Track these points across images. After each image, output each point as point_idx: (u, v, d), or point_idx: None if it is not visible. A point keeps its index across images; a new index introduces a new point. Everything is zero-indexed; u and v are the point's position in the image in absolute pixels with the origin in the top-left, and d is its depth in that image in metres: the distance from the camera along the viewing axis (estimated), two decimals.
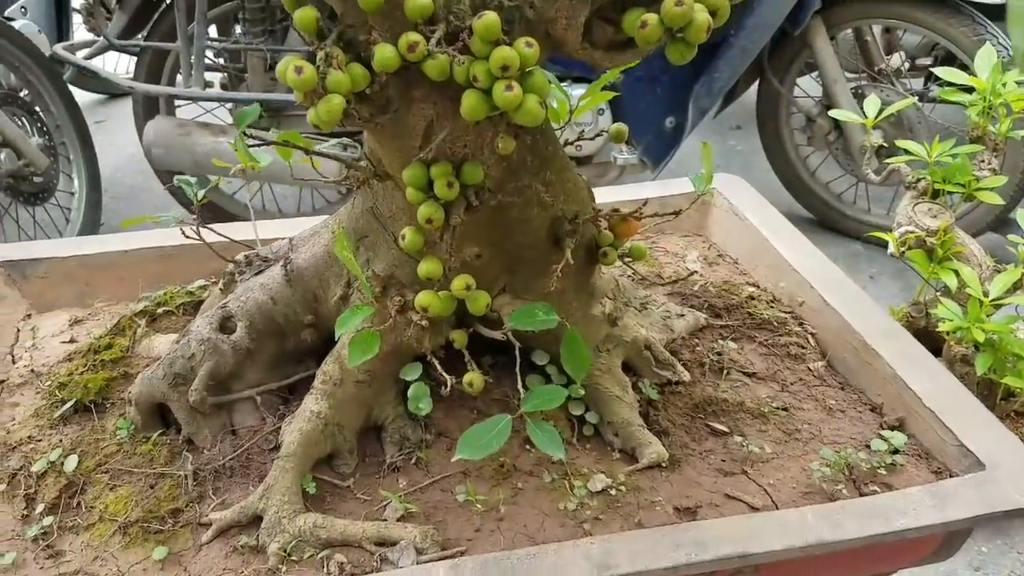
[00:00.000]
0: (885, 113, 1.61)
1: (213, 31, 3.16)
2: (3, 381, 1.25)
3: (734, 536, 0.92)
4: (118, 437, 1.11)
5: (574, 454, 1.08)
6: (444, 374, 0.94)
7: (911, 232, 1.63)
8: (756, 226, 1.50)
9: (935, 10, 2.71)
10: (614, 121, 2.77)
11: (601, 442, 1.11)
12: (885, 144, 2.78)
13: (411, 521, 0.99)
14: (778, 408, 1.18)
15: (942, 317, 1.51)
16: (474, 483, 1.04)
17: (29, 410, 1.18)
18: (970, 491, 0.99)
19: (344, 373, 1.06)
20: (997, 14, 2.72)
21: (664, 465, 1.07)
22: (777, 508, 1.02)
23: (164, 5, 2.95)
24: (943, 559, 1.08)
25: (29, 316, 1.40)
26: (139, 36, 3.08)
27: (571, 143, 1.09)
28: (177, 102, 3.02)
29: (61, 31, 3.75)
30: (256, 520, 0.98)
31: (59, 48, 3.03)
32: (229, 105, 3.07)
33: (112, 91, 4.57)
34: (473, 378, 0.90)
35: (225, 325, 1.11)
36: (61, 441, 1.11)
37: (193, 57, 2.71)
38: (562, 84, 1.26)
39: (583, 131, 1.18)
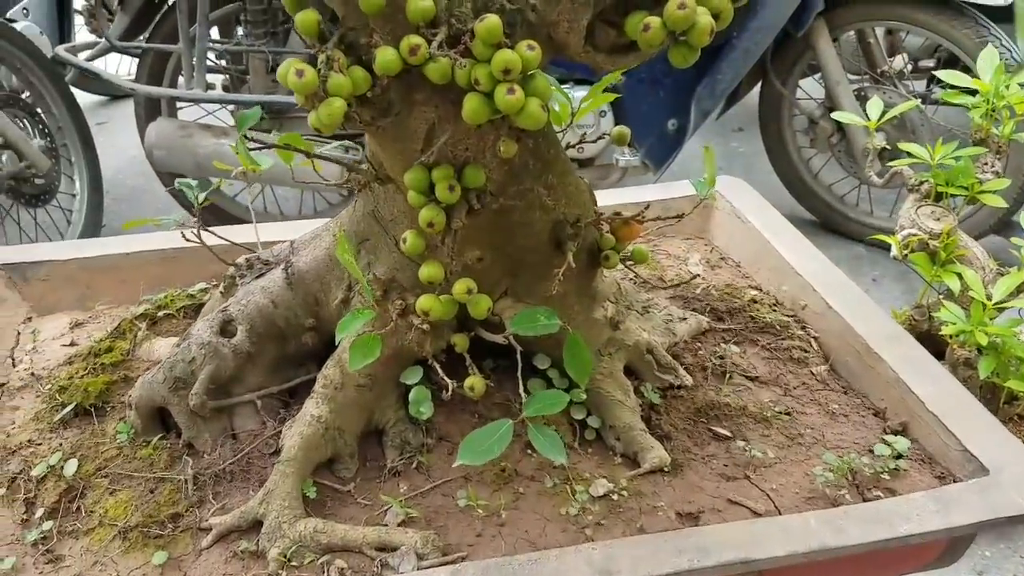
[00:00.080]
0: (888, 115, 1.60)
1: (215, 33, 3.16)
2: (3, 384, 1.25)
3: (737, 542, 0.92)
4: (118, 441, 1.11)
5: (576, 459, 1.08)
6: (445, 378, 0.94)
7: (914, 235, 1.62)
8: (758, 229, 1.50)
9: (938, 12, 2.71)
10: (616, 123, 2.77)
11: (603, 447, 1.11)
12: (888, 146, 2.76)
13: (412, 526, 0.99)
14: (781, 412, 1.17)
15: (945, 320, 1.50)
16: (475, 488, 1.03)
17: (29, 414, 1.18)
18: (974, 496, 0.98)
19: (345, 377, 1.05)
20: (1000, 16, 2.72)
21: (666, 470, 1.06)
22: (780, 513, 1.01)
23: (166, 7, 2.96)
24: (947, 565, 1.07)
25: (30, 319, 1.40)
26: (141, 38, 3.09)
27: (573, 146, 1.09)
28: (179, 104, 3.02)
29: (63, 33, 3.75)
30: (256, 525, 0.98)
31: (61, 50, 3.03)
32: (231, 107, 3.07)
33: (114, 93, 4.57)
34: (474, 382, 0.90)
35: (226, 329, 1.11)
36: (61, 445, 1.11)
37: (195, 59, 2.71)
38: (564, 86, 1.25)
39: (585, 133, 1.18)
